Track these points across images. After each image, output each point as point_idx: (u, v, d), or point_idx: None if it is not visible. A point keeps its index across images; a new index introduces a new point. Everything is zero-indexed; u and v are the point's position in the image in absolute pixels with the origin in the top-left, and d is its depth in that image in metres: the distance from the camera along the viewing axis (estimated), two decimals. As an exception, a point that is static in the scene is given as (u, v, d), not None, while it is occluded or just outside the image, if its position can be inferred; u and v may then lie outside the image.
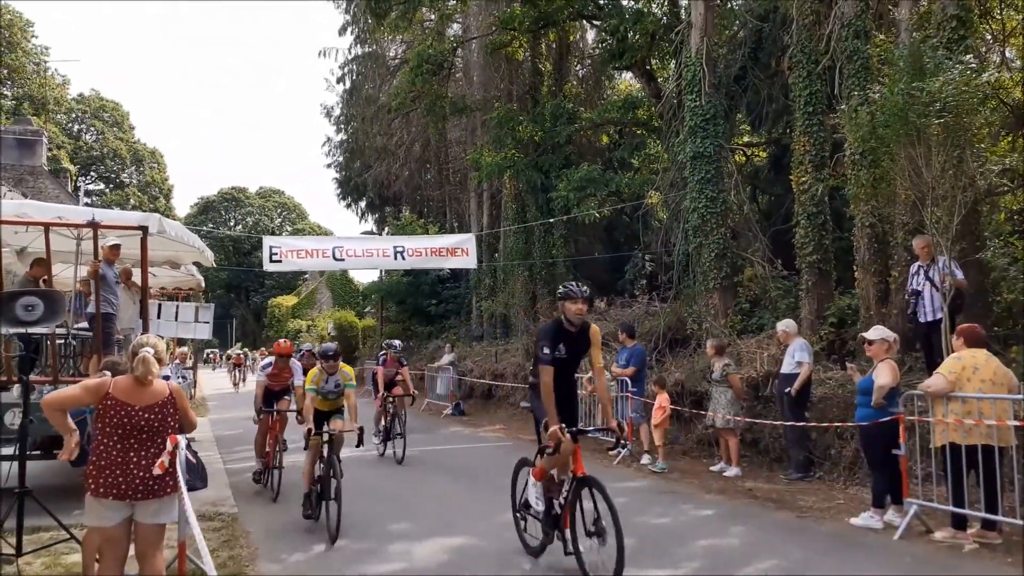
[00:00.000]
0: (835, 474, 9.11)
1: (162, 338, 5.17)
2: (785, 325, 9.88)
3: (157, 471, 4.39)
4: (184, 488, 4.92)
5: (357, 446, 7.79)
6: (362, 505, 8.62)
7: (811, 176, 11.65)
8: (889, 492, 7.12)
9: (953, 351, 6.92)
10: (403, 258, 16.60)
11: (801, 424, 9.19)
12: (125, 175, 57.97)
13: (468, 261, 17.30)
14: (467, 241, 17.23)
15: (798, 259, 12.03)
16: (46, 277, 9.01)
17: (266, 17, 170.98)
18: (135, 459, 4.38)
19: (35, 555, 6.05)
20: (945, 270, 8.00)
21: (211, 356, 60.91)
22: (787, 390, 9.32)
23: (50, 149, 38.91)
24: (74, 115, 55.66)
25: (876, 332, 7.43)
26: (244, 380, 32.98)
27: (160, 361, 4.62)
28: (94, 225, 8.49)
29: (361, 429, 7.64)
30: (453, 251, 16.84)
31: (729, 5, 17.33)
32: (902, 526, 6.70)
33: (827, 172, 11.55)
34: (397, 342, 13.50)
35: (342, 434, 7.85)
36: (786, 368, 9.55)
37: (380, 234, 33.60)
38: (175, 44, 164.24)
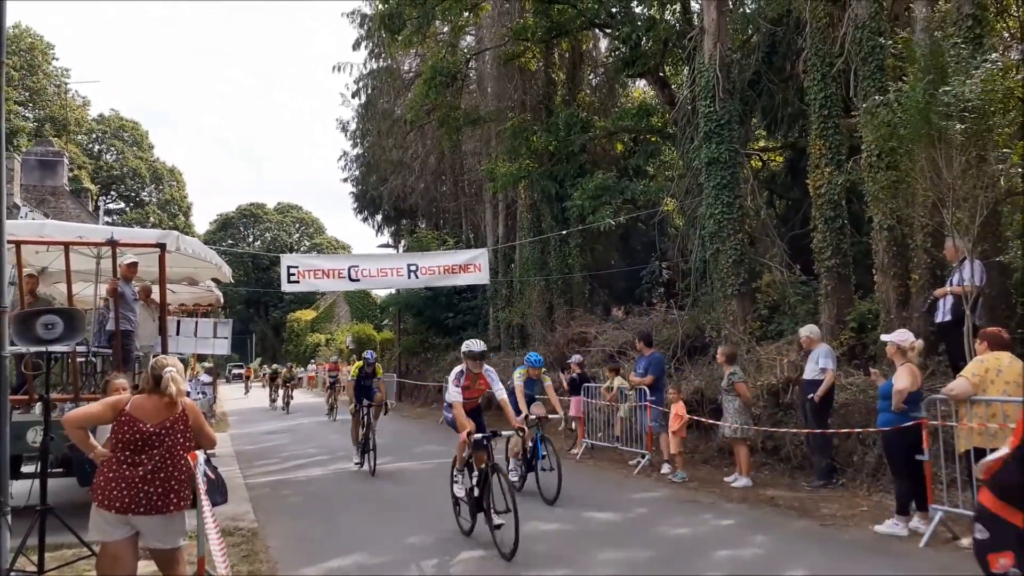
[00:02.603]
0: (858, 481, 8.98)
1: (182, 355, 5.22)
2: (808, 331, 9.78)
3: None
4: (206, 503, 4.94)
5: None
6: (379, 516, 8.61)
7: (828, 179, 11.55)
8: (914, 498, 7.00)
9: (976, 354, 6.82)
10: (416, 276, 16.73)
11: (824, 431, 9.07)
12: (145, 193, 58.70)
13: (480, 277, 17.36)
14: (479, 257, 17.27)
15: (816, 264, 11.91)
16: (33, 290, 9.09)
17: (282, 34, 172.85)
18: (141, 474, 4.40)
19: (57, 572, 6.06)
20: (968, 273, 7.90)
21: (233, 372, 60.77)
22: (810, 396, 9.21)
23: (71, 169, 39.48)
24: (94, 135, 56.48)
25: (897, 335, 7.33)
26: (288, 398, 29.13)
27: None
28: (113, 243, 8.57)
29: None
30: (465, 267, 16.93)
31: (742, 10, 17.27)
32: (927, 533, 6.59)
33: (844, 175, 11.44)
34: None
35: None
36: (809, 374, 9.43)
37: (396, 247, 33.71)
38: (196, 63, 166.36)
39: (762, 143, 19.17)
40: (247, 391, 44.68)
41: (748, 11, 17.29)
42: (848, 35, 11.16)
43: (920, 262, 9.74)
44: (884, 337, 7.42)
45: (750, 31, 16.76)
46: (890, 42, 10.40)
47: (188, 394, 4.97)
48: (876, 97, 9.79)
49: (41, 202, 31.00)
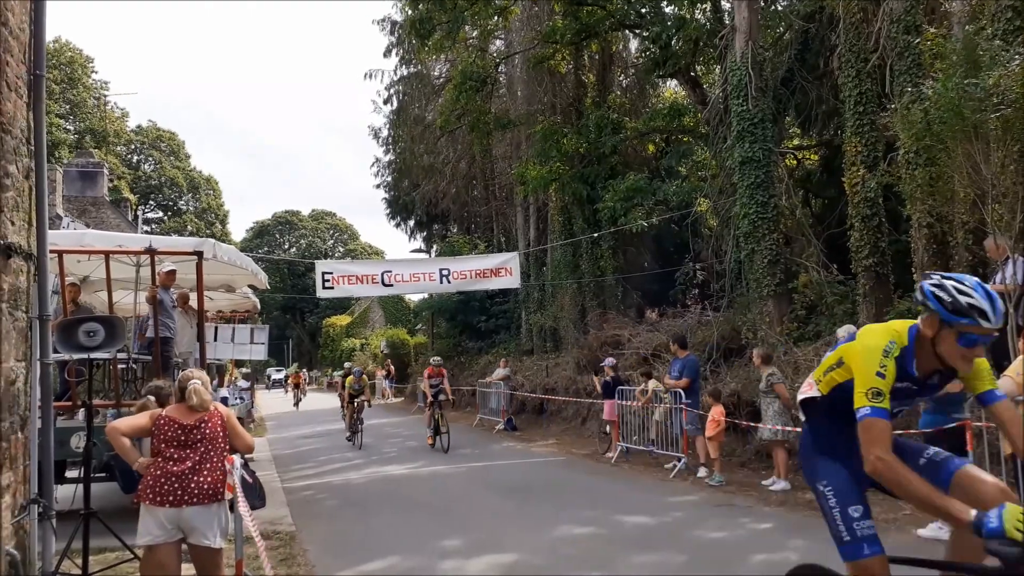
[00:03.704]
0: (900, 484, 8.79)
1: (220, 361, 5.38)
2: (845, 331, 9.55)
3: None
4: (244, 507, 5.03)
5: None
6: (413, 519, 8.66)
7: (864, 177, 11.37)
8: (958, 502, 6.84)
9: (1020, 353, 6.64)
10: (448, 281, 16.90)
11: (862, 433, 8.90)
12: (182, 202, 59.69)
13: (511, 281, 17.44)
14: (510, 261, 17.33)
15: (854, 263, 11.72)
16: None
17: (314, 43, 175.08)
18: (190, 466, 4.59)
19: (100, 575, 6.20)
20: (1011, 271, 7.71)
21: (273, 378, 60.51)
22: (847, 398, 9.04)
23: (111, 180, 40.32)
24: (133, 146, 57.59)
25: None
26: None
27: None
28: (151, 252, 8.74)
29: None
30: (497, 271, 17.01)
31: (773, 7, 17.09)
32: (973, 537, 6.43)
33: (881, 172, 11.25)
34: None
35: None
36: (845, 375, 9.26)
37: (428, 252, 33.93)
38: (228, 72, 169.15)
39: (796, 141, 18.94)
40: (297, 402, 34.79)
41: (780, 8, 17.11)
42: (883, 30, 10.98)
43: (961, 260, 9.52)
44: None
45: (782, 28, 16.57)
46: (919, 40, 10.23)
47: (226, 400, 5.11)
48: (908, 89, 9.63)
49: (82, 212, 31.70)
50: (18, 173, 5.82)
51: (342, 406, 20.85)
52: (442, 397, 15.66)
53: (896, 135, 9.99)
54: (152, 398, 4.86)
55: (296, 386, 36.68)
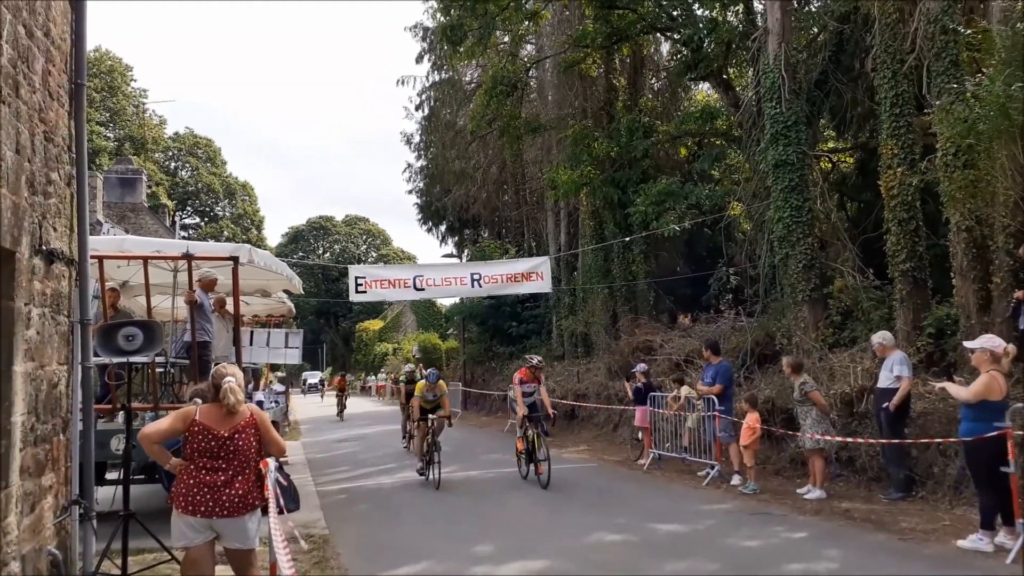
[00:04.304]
0: (939, 493, 8.62)
1: (255, 364, 5.42)
2: (881, 337, 9.46)
3: None
4: (276, 510, 5.09)
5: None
6: (445, 524, 8.68)
7: (901, 180, 11.17)
8: (999, 512, 6.69)
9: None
10: (479, 285, 16.90)
11: (900, 441, 8.75)
12: (219, 208, 60.65)
13: (543, 285, 17.40)
14: (541, 265, 17.32)
15: (891, 267, 11.52)
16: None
17: (349, 50, 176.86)
18: (222, 479, 4.59)
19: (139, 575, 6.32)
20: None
21: (309, 383, 59.80)
22: (885, 405, 8.90)
23: (149, 186, 41.11)
24: (170, 153, 58.68)
25: (987, 341, 7.00)
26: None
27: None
28: (188, 257, 8.90)
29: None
30: (528, 276, 17.01)
31: (807, 8, 16.89)
32: (1015, 549, 6.27)
33: (918, 174, 11.04)
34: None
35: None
36: (883, 382, 9.12)
37: (460, 257, 34.01)
38: (262, 79, 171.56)
39: (831, 144, 18.67)
40: (341, 410, 30.01)
41: (813, 9, 16.90)
42: (919, 30, 10.79)
43: (1002, 264, 9.30)
44: (970, 344, 7.08)
45: (816, 30, 16.36)
46: (968, 32, 10.01)
47: (261, 404, 5.14)
48: (953, 85, 9.44)
49: (122, 218, 32.37)
50: (60, 180, 5.97)
51: (404, 424, 15.82)
52: (538, 412, 11.48)
53: (934, 137, 9.81)
54: (199, 400, 4.90)
55: (341, 391, 31.08)
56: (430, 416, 11.79)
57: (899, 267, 11.24)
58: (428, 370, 12.37)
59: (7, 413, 4.82)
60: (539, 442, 11.22)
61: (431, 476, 11.37)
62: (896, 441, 8.75)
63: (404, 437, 14.73)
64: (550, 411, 11.55)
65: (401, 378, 17.60)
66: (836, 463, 10.25)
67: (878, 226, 12.60)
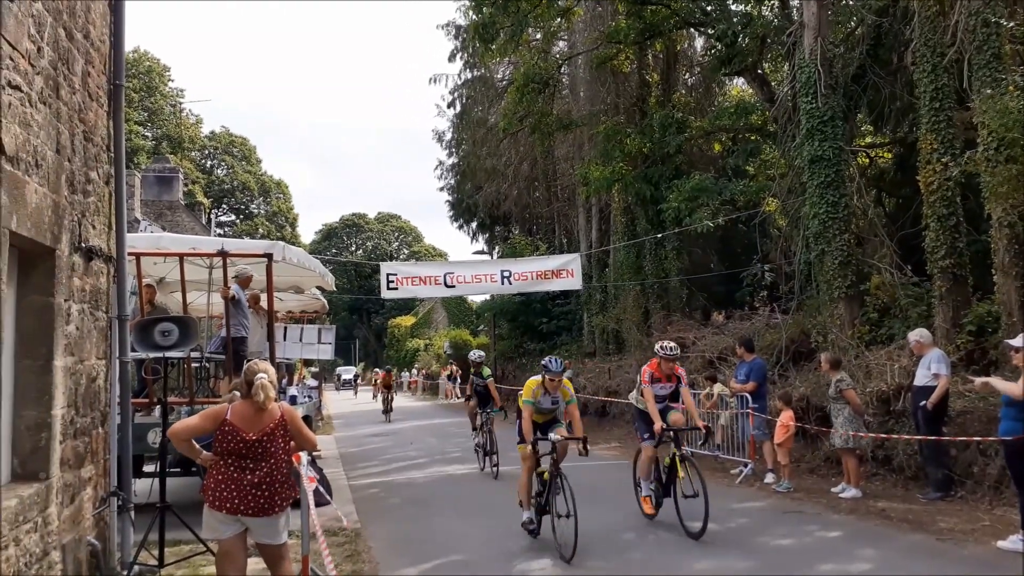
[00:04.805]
0: (979, 493, 8.44)
1: (289, 360, 5.46)
2: (918, 335, 9.29)
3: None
4: (312, 503, 5.15)
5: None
6: (476, 519, 8.70)
7: (940, 175, 10.95)
8: (1042, 514, 6.53)
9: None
10: (509, 282, 16.92)
11: (938, 439, 8.58)
12: (254, 206, 61.39)
13: (573, 283, 17.36)
14: (572, 262, 17.28)
15: (929, 264, 11.30)
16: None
17: (381, 48, 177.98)
18: (251, 479, 4.60)
19: (176, 566, 6.43)
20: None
21: (343, 378, 59.20)
22: (922, 403, 8.74)
23: (186, 185, 41.78)
24: (207, 151, 59.54)
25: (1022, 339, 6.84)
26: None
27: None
28: (223, 254, 9.02)
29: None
30: (558, 273, 16.99)
31: (844, 2, 16.61)
32: (1058, 552, 6.13)
33: (958, 169, 10.80)
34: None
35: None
36: (920, 380, 8.95)
37: (490, 253, 34.09)
38: (295, 77, 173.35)
39: (868, 139, 18.37)
40: (388, 409, 26.38)
41: (851, 3, 16.61)
42: (960, 23, 10.55)
43: (1046, 260, 9.09)
44: (1013, 341, 6.90)
45: (853, 23, 16.08)
46: (1011, 24, 9.77)
47: (294, 399, 5.18)
48: (1003, 77, 9.20)
49: (159, 216, 32.98)
50: (99, 179, 6.09)
51: (473, 428, 13.31)
52: (676, 419, 8.02)
53: (975, 131, 9.60)
54: (237, 394, 4.93)
55: (387, 387, 28.09)
56: (550, 436, 7.35)
57: (938, 263, 11.02)
58: (547, 358, 7.83)
59: (47, 406, 4.94)
60: (684, 469, 7.48)
61: (558, 537, 6.85)
62: (934, 439, 8.59)
63: (474, 430, 13.29)
64: (698, 422, 7.95)
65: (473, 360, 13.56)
66: (872, 462, 10.09)
67: (916, 222, 12.37)
